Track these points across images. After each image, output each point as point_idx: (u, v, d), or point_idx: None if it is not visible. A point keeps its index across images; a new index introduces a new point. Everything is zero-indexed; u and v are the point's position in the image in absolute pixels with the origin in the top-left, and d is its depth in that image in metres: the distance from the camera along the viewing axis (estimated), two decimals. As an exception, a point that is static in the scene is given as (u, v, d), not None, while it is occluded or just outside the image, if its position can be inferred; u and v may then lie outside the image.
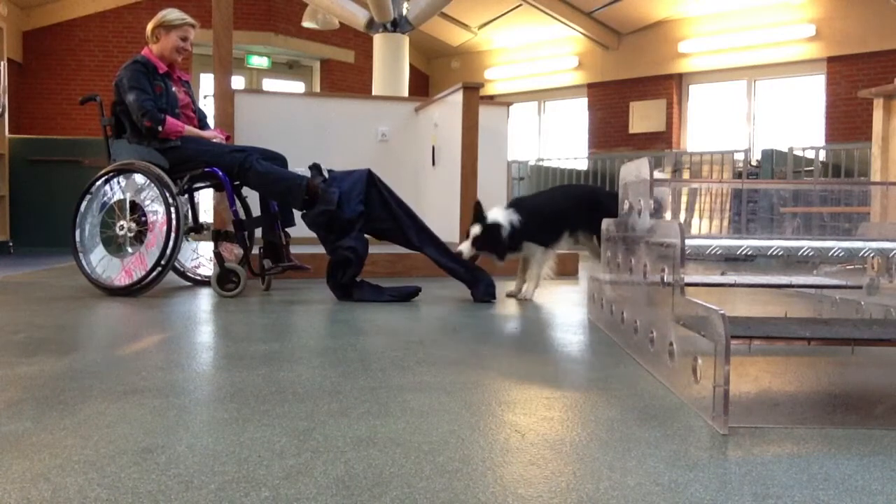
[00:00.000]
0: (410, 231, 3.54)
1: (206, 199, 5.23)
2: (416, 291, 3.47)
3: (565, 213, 3.60)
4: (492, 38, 12.82)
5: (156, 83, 3.64)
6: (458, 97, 4.82)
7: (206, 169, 3.57)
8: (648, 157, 2.18)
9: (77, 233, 3.63)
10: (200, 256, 4.34)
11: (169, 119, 3.57)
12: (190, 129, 3.68)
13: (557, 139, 12.81)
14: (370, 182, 3.53)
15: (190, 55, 4.04)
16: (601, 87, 11.96)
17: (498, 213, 3.42)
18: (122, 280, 3.49)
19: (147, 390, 1.66)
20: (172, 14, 3.75)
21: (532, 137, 13.06)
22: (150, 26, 3.74)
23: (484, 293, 3.43)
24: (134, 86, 3.54)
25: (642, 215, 2.08)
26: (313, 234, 3.55)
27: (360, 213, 3.43)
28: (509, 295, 3.63)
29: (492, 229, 3.37)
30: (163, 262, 3.45)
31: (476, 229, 3.39)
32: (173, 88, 3.73)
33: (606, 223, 2.64)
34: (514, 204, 3.54)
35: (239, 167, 3.53)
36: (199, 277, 4.10)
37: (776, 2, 10.02)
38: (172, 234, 3.43)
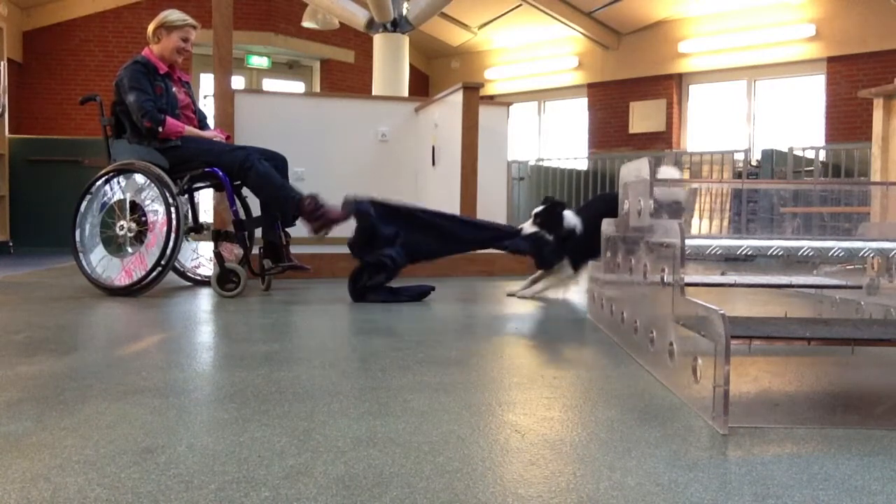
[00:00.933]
0: (463, 230, 3.52)
1: (206, 199, 5.23)
2: (430, 290, 3.46)
3: None
4: (492, 38, 12.82)
5: (156, 84, 3.64)
6: (458, 97, 4.82)
7: (206, 169, 3.57)
8: (648, 157, 2.18)
9: (77, 233, 3.62)
10: (200, 256, 4.34)
11: (169, 119, 3.57)
12: (190, 130, 3.67)
13: (557, 139, 12.80)
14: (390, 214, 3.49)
15: (190, 56, 4.03)
16: (601, 87, 11.95)
17: (568, 214, 3.44)
18: (122, 280, 3.49)
19: (147, 390, 1.66)
20: (174, 15, 3.75)
21: (532, 137, 13.05)
22: (151, 27, 3.74)
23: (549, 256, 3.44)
24: (134, 86, 3.54)
25: (642, 215, 2.08)
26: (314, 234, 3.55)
27: (396, 233, 3.42)
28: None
29: (556, 208, 3.38)
30: (163, 262, 3.45)
31: (538, 208, 3.41)
32: (174, 89, 3.73)
33: (606, 223, 2.64)
34: (580, 212, 3.52)
35: (239, 166, 3.52)
36: (199, 277, 4.10)
37: (776, 2, 10.01)
38: (172, 234, 3.42)
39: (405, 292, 3.42)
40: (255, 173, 3.51)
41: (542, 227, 3.39)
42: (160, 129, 3.54)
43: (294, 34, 11.09)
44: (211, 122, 4.28)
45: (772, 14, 10.11)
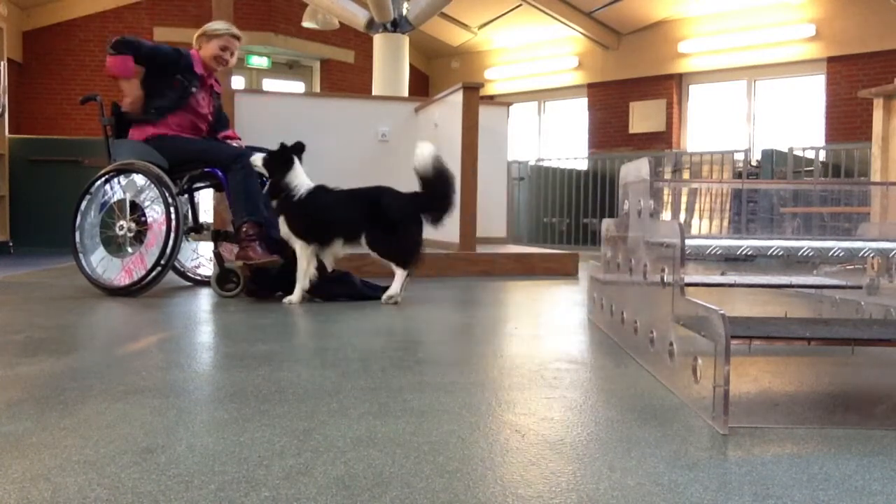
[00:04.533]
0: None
1: (206, 200, 5.23)
2: (381, 289, 3.33)
3: (342, 219, 3.28)
4: (492, 38, 12.82)
5: (176, 78, 3.62)
6: (458, 97, 4.82)
7: (206, 169, 3.57)
8: (648, 157, 2.18)
9: (77, 233, 3.62)
10: (200, 256, 4.34)
11: (120, 57, 3.49)
12: (131, 83, 3.56)
13: (557, 139, 12.80)
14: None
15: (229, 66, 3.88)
16: (601, 87, 11.95)
17: (302, 174, 3.29)
18: (122, 280, 3.49)
19: (147, 390, 1.66)
20: (217, 24, 3.82)
21: (532, 137, 13.05)
22: (196, 34, 3.80)
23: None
24: (153, 45, 3.62)
25: (642, 215, 2.08)
26: None
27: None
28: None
29: (283, 161, 3.27)
30: (163, 262, 3.44)
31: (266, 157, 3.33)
32: (200, 94, 3.72)
33: (606, 223, 2.64)
34: (319, 187, 3.32)
35: (235, 158, 3.48)
36: (199, 277, 4.10)
37: (776, 2, 10.01)
38: (172, 234, 3.42)
39: (357, 290, 3.38)
40: (243, 174, 3.47)
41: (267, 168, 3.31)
42: (109, 53, 3.51)
43: (294, 34, 11.09)
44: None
45: (772, 14, 10.11)
